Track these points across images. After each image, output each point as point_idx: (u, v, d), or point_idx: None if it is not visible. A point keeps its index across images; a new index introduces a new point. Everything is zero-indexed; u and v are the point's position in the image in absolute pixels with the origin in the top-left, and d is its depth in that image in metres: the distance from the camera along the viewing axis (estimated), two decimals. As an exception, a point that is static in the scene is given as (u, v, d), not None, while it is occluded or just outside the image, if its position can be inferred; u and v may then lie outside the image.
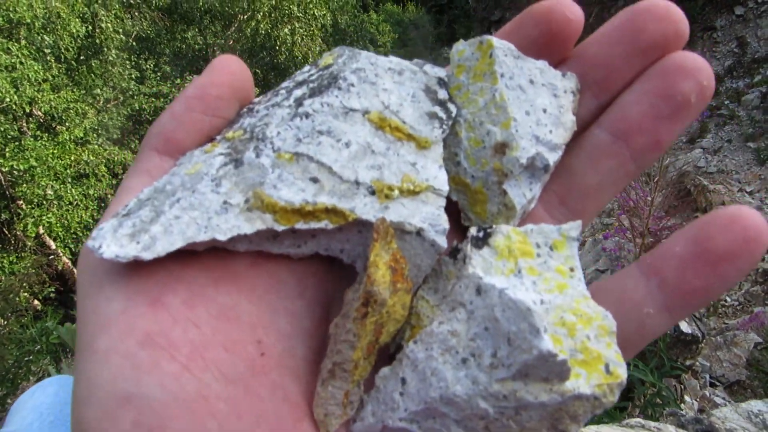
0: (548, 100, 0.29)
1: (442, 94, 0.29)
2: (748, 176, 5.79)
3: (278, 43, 7.39)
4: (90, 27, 6.39)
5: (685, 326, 2.22)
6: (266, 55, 7.63)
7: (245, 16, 7.28)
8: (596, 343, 0.24)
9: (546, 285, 0.26)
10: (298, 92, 0.28)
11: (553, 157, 0.28)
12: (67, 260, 6.29)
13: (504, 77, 0.28)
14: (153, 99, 6.93)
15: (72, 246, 6.25)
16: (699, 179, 4.71)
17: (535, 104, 0.28)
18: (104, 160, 6.26)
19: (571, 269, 0.26)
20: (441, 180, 0.27)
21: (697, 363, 2.47)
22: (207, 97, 0.28)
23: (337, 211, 0.26)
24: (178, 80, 7.02)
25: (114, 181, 6.40)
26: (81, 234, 6.10)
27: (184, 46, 7.36)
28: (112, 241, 0.23)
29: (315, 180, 0.26)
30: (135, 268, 0.24)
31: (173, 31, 7.38)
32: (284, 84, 0.30)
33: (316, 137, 0.26)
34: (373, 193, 0.26)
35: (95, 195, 6.26)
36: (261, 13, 7.22)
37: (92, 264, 0.25)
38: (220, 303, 0.25)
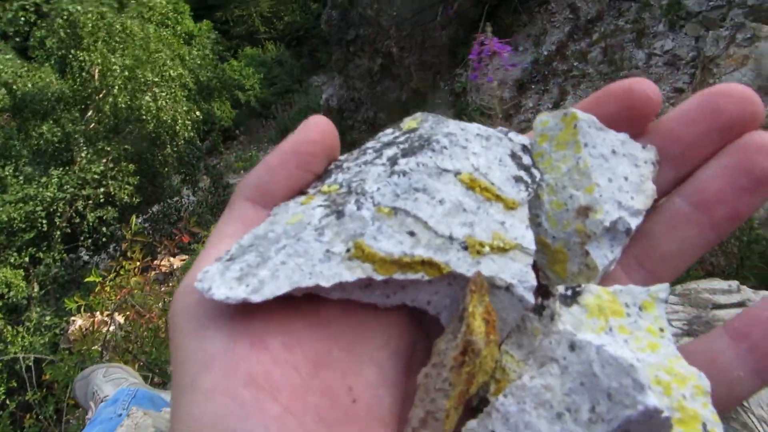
0: (629, 169, 0.30)
1: (527, 159, 0.31)
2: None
3: (142, 113, 7.10)
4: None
5: None
6: (133, 128, 7.31)
7: (100, 95, 6.94)
8: (692, 402, 0.24)
9: (638, 344, 0.26)
10: (389, 152, 0.30)
11: (634, 222, 0.29)
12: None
13: (588, 146, 0.29)
14: (21, 204, 6.40)
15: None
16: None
17: (616, 172, 0.29)
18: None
19: (661, 329, 0.27)
20: (528, 239, 0.28)
21: None
22: (301, 153, 0.30)
23: (432, 263, 0.26)
24: (44, 178, 6.55)
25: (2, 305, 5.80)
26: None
27: (41, 141, 6.86)
28: (221, 283, 0.24)
29: (412, 233, 0.26)
30: (237, 310, 0.25)
31: (26, 129, 6.87)
32: (369, 144, 0.32)
33: (412, 194, 0.27)
34: (465, 248, 0.27)
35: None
36: (116, 88, 6.91)
37: (192, 306, 0.26)
38: (315, 348, 0.25)
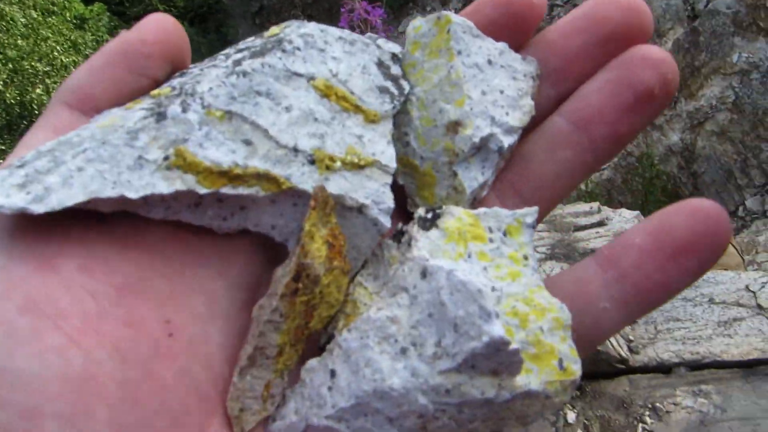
0: (506, 82, 0.27)
1: (395, 69, 0.28)
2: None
3: (35, 107, 6.59)
4: None
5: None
6: (27, 125, 6.79)
7: (-16, 93, 6.35)
8: (550, 337, 0.22)
9: (498, 272, 0.24)
10: (238, 55, 0.25)
11: (508, 140, 0.27)
12: None
13: (461, 54, 0.27)
14: None
15: None
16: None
17: (492, 84, 0.27)
18: None
19: (525, 257, 0.25)
20: (388, 156, 0.25)
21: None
22: (133, 53, 0.25)
23: (270, 177, 0.23)
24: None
25: None
26: None
27: None
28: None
29: (248, 142, 0.23)
30: (26, 224, 0.21)
31: None
32: (224, 51, 0.27)
33: (253, 97, 0.23)
34: (312, 162, 0.24)
35: None
36: (1, 83, 6.35)
37: None
38: (125, 273, 0.22)
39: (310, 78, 0.25)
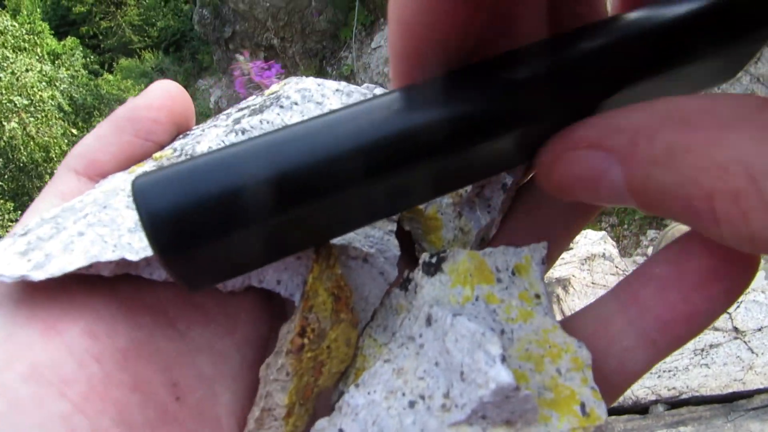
0: None
1: None
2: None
3: (7, 140, 6.53)
4: None
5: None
6: (6, 162, 6.72)
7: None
8: (569, 379, 0.21)
9: (508, 314, 0.22)
10: (238, 114, 0.25)
11: (511, 176, 0.26)
12: None
13: None
14: None
15: None
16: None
17: None
18: None
19: (537, 296, 0.23)
20: None
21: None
22: (139, 119, 0.25)
23: None
24: None
25: None
26: None
27: None
28: (1, 259, 0.20)
29: None
30: (30, 290, 0.20)
31: None
32: (226, 110, 0.27)
33: None
34: None
35: None
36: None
37: None
38: (129, 336, 0.21)
39: None
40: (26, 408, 0.18)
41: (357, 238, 0.24)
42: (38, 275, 0.19)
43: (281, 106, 0.25)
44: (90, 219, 0.21)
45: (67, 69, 8.54)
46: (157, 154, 0.25)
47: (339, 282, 0.23)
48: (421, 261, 0.24)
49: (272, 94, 0.27)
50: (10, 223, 6.25)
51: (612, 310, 0.22)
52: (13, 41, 7.89)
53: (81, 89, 8.81)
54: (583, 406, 0.20)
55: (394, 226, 0.25)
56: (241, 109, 0.27)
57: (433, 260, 0.24)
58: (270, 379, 0.21)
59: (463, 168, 0.20)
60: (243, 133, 0.24)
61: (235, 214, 0.16)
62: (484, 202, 0.27)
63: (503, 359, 0.19)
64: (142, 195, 0.16)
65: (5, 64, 6.65)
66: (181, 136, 0.27)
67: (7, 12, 7.91)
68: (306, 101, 0.26)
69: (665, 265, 0.21)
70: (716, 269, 0.20)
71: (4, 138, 6.24)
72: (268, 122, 0.24)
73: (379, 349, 0.24)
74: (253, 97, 0.29)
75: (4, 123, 6.31)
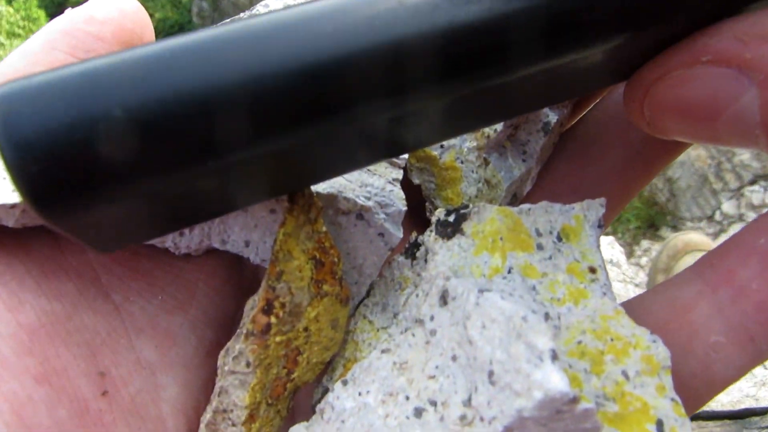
0: None
1: None
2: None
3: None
4: None
5: None
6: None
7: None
8: (640, 387, 0.15)
9: (553, 292, 0.17)
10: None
11: (555, 114, 0.21)
12: None
13: None
14: None
15: None
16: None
17: None
18: None
19: (592, 269, 0.17)
20: None
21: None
22: (78, 32, 0.20)
23: None
24: None
25: None
26: None
27: None
28: None
29: None
30: None
31: None
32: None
33: None
34: None
35: None
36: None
37: None
38: (42, 309, 0.16)
39: None
40: None
41: (350, 186, 0.19)
42: None
43: (267, 6, 0.21)
44: None
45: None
46: None
47: (323, 242, 0.17)
48: (434, 220, 0.18)
49: None
50: None
51: (694, 291, 0.17)
52: (7, 27, 7.82)
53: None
54: (660, 425, 0.14)
55: (399, 174, 0.20)
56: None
57: (451, 218, 0.18)
58: (226, 371, 0.16)
59: (521, 85, 0.13)
60: None
61: (157, 141, 0.11)
62: (519, 147, 0.22)
63: (554, 356, 0.13)
64: (4, 114, 0.10)
65: (-1, 50, 6.63)
66: None
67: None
68: None
69: None
70: None
71: None
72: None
73: (376, 334, 0.18)
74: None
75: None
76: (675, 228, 2.30)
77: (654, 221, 2.29)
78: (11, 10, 8.46)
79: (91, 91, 0.10)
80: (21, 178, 0.10)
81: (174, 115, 0.10)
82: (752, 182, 2.51)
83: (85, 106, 0.10)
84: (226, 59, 0.11)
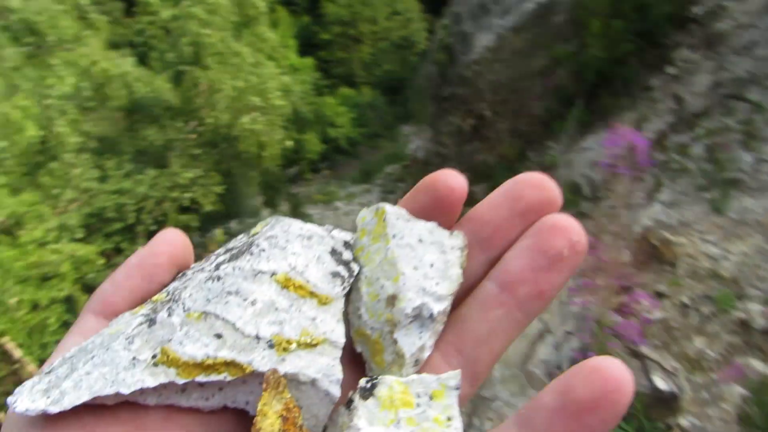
0: (435, 256, 0.31)
1: (347, 254, 0.33)
2: (707, 226, 5.95)
3: (238, 131, 7.53)
4: (46, 132, 6.39)
5: (661, 384, 2.21)
6: (227, 146, 7.74)
7: (205, 110, 7.43)
8: None
9: None
10: (221, 258, 0.32)
11: (438, 307, 0.30)
12: (34, 368, 5.89)
13: (395, 237, 0.32)
14: (115, 196, 6.87)
15: (39, 352, 5.89)
16: (662, 233, 4.84)
17: (423, 260, 0.31)
18: (68, 257, 6.07)
19: (449, 418, 0.27)
20: (338, 333, 0.29)
21: (684, 421, 2.43)
22: (146, 265, 0.32)
23: (235, 364, 0.27)
24: (139, 175, 7.01)
25: (78, 277, 6.17)
26: (49, 339, 5.77)
27: (145, 143, 7.40)
28: (27, 396, 0.26)
29: (219, 336, 0.28)
30: (53, 421, 0.26)
31: (134, 129, 7.45)
32: (217, 251, 0.34)
33: (224, 297, 0.28)
34: (272, 346, 0.28)
35: (61, 297, 6.00)
36: (221, 105, 7.39)
37: (16, 418, 0.27)
38: None
39: (273, 273, 0.30)
40: None
41: (306, 366, 0.28)
42: (54, 409, 0.25)
43: (251, 253, 0.30)
44: (95, 360, 0.27)
45: (302, 84, 9.70)
46: (155, 297, 0.31)
47: (288, 404, 0.27)
48: (359, 386, 0.28)
49: (255, 234, 0.33)
50: (211, 194, 7.23)
51: None
52: (270, 50, 9.21)
53: (306, 105, 9.93)
54: None
55: (339, 353, 0.29)
56: (228, 250, 0.33)
57: (368, 386, 0.28)
58: None
59: None
60: (218, 279, 0.29)
61: None
62: (417, 329, 0.31)
63: None
64: None
65: (258, 69, 7.79)
66: (179, 275, 0.34)
67: (268, 25, 9.24)
68: (272, 247, 0.31)
69: (553, 395, 0.26)
70: (592, 403, 0.24)
71: (238, 129, 7.25)
72: (239, 268, 0.29)
73: None
74: (241, 236, 0.35)
75: (240, 117, 7.36)
76: None
77: None
78: (274, 36, 9.82)
79: None
80: None
81: None
82: None
83: None
84: None
